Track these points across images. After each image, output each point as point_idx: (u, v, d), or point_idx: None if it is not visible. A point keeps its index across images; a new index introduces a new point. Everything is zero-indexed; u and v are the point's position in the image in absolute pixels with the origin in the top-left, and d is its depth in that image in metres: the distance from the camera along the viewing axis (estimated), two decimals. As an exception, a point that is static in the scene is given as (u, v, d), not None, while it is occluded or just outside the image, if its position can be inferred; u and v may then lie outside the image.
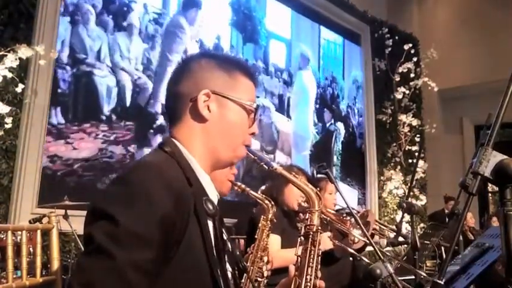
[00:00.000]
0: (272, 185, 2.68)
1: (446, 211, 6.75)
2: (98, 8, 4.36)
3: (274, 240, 2.41)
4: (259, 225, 2.07)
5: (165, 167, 0.93)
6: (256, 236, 2.04)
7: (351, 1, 7.29)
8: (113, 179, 0.91)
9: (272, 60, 6.09)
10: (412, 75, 7.64)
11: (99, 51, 4.31)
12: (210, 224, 0.97)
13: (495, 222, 6.35)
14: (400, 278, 1.44)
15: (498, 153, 0.85)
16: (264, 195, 2.17)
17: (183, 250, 0.87)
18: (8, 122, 3.46)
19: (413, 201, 6.87)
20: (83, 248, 1.13)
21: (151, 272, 0.81)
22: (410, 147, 7.55)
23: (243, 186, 2.08)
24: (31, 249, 2.32)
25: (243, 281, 1.73)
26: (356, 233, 2.65)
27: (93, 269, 0.78)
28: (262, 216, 2.09)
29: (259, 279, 1.92)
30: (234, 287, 1.03)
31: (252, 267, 1.93)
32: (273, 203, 2.13)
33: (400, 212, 6.83)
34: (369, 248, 2.98)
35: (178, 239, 0.87)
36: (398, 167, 7.45)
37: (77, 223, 3.05)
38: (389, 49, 7.58)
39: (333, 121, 6.96)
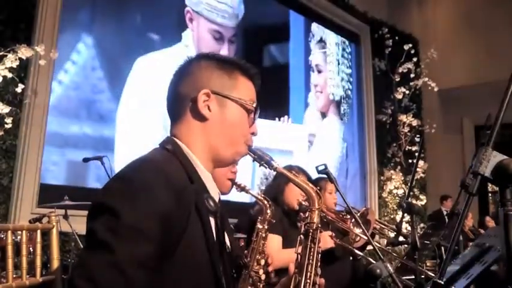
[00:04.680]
0: (272, 185, 2.67)
1: (443, 209, 6.78)
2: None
3: (275, 240, 2.40)
4: (256, 227, 2.03)
5: (167, 164, 0.94)
6: (253, 238, 2.01)
7: (351, 1, 7.29)
8: (115, 176, 0.92)
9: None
10: (412, 75, 7.64)
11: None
12: (211, 221, 0.97)
13: (489, 222, 6.37)
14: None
15: (498, 153, 0.85)
16: (263, 195, 2.15)
17: (184, 246, 0.88)
18: (8, 122, 3.46)
19: (413, 201, 6.88)
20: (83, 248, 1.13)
21: (151, 267, 0.82)
22: (410, 148, 7.55)
23: (243, 184, 2.07)
24: (31, 249, 2.32)
25: (241, 285, 1.73)
26: (358, 231, 2.65)
27: (93, 262, 0.79)
28: (259, 218, 2.05)
29: (257, 283, 1.87)
30: (233, 284, 1.03)
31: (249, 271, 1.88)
32: (270, 203, 2.10)
33: (400, 212, 6.85)
34: (370, 247, 2.97)
35: (179, 236, 0.87)
36: (399, 167, 7.45)
37: (77, 223, 3.05)
38: (389, 49, 7.57)
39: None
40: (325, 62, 6.99)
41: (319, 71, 6.83)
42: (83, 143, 4.12)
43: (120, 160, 4.16)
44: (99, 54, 4.35)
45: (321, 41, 6.99)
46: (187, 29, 5.14)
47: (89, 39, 4.29)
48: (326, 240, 2.48)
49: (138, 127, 4.44)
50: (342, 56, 7.37)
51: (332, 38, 7.21)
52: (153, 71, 4.57)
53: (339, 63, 7.25)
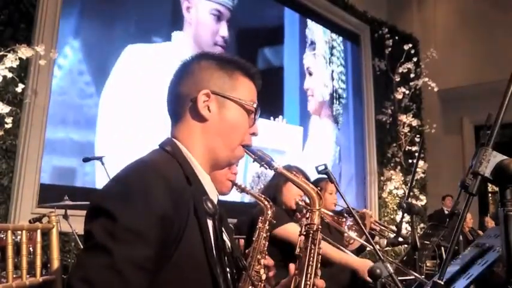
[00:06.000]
0: (271, 184, 2.68)
1: (444, 208, 6.79)
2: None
3: (294, 227, 2.36)
4: (257, 226, 2.05)
5: (165, 166, 0.94)
6: (253, 238, 2.01)
7: (350, 1, 7.30)
8: (113, 178, 0.92)
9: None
10: (412, 75, 7.64)
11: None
12: (209, 223, 0.97)
13: (489, 222, 6.37)
14: (400, 278, 1.44)
15: (498, 153, 0.85)
16: (263, 196, 2.15)
17: (182, 249, 0.88)
18: (8, 122, 3.47)
19: (413, 201, 6.87)
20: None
21: (149, 269, 0.81)
22: (410, 148, 7.55)
23: (243, 185, 2.07)
24: (31, 249, 2.32)
25: (241, 284, 1.72)
26: (352, 234, 2.68)
27: (90, 265, 0.79)
28: (260, 218, 2.07)
29: (255, 283, 1.88)
30: (233, 285, 1.03)
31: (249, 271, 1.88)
32: (271, 203, 2.11)
33: (400, 212, 6.84)
34: (369, 248, 2.98)
35: (177, 238, 0.87)
36: (399, 167, 7.45)
37: (77, 223, 3.05)
38: (389, 49, 7.58)
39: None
40: (315, 63, 6.93)
41: (310, 74, 6.80)
42: (69, 148, 4.05)
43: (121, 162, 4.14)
44: (86, 58, 4.27)
45: (312, 43, 6.96)
46: (178, 31, 5.11)
47: (75, 43, 4.23)
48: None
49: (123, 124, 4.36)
50: (332, 54, 7.27)
51: (319, 36, 7.08)
52: (141, 62, 4.52)
53: (327, 62, 7.16)
